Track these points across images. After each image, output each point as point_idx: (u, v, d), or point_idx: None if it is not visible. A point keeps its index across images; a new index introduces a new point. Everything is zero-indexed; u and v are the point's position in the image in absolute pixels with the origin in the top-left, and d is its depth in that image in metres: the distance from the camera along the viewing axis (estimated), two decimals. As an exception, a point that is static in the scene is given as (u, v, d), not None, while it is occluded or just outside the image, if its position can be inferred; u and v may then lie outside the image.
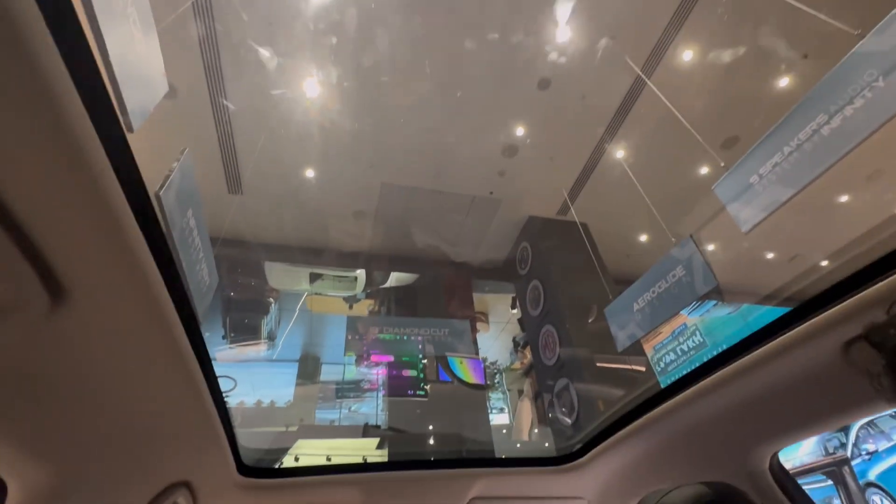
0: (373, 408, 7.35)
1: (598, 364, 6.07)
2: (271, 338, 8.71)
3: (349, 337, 5.15)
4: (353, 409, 7.99)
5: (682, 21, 5.03)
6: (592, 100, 5.87)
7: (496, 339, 10.36)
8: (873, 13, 2.75)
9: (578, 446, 1.32)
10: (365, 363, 6.31)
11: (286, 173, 6.32)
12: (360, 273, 8.14)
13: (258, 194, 6.56)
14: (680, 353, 7.17)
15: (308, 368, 9.43)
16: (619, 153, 6.45)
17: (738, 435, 0.97)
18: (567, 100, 5.82)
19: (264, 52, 4.74)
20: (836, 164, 2.63)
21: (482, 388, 6.80)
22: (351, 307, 8.90)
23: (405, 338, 5.72)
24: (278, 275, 8.09)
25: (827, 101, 2.81)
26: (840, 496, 4.71)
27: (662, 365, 7.26)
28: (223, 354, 7.41)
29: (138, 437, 0.78)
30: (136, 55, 2.12)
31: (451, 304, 7.77)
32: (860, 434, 5.45)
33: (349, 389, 7.38)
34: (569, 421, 6.17)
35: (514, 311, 8.75)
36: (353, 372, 7.34)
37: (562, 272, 7.06)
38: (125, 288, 0.55)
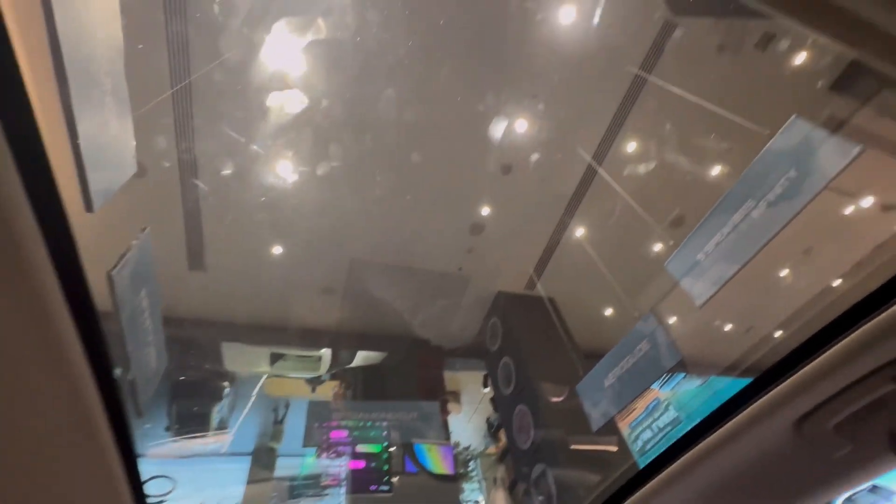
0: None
1: (573, 447, 5.80)
2: (222, 428, 7.93)
3: (311, 425, 4.75)
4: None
5: (625, 115, 5.70)
6: (551, 183, 6.34)
7: (469, 422, 9.83)
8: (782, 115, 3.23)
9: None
10: (326, 455, 5.78)
11: (252, 250, 6.26)
12: (325, 352, 7.79)
13: (222, 272, 6.39)
14: (656, 429, 7.00)
15: (262, 463, 8.50)
16: (580, 230, 6.83)
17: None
18: (528, 183, 6.25)
19: (236, 134, 4.94)
20: (769, 242, 2.88)
21: (452, 480, 6.28)
22: (314, 389, 8.36)
23: (369, 424, 5.33)
24: (237, 356, 7.61)
25: (753, 189, 3.16)
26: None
27: (640, 443, 7.03)
28: (162, 450, 6.61)
29: None
30: (107, 139, 2.17)
31: (420, 384, 7.44)
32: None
33: (307, 486, 6.63)
34: (548, 513, 5.71)
35: (486, 389, 8.45)
36: (312, 465, 6.67)
37: (532, 348, 7.01)
38: (50, 387, 0.51)
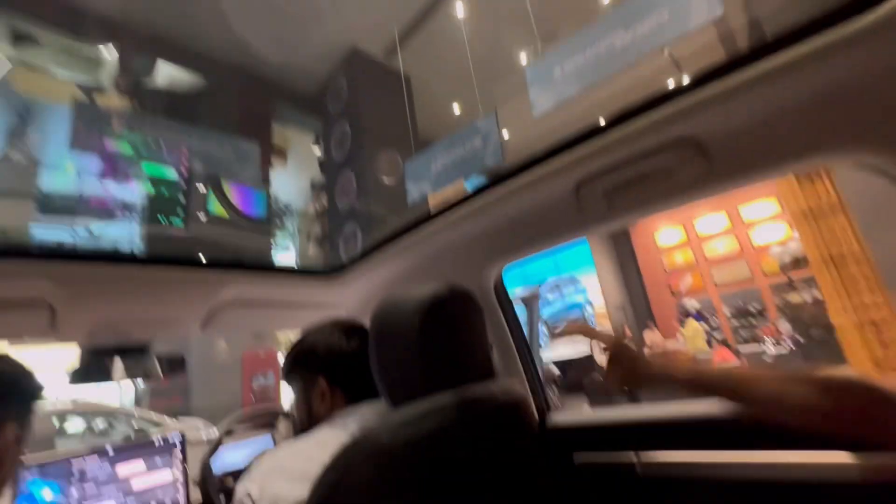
0: (125, 231, 5.99)
1: (386, 216, 6.44)
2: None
3: (78, 128, 3.76)
4: (95, 232, 6.34)
5: None
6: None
7: (293, 178, 9.69)
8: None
9: (346, 262, 1.34)
10: (97, 175, 4.92)
11: None
12: (110, 50, 5.89)
13: None
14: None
15: (16, 171, 6.84)
16: (458, 7, 6.07)
17: (478, 254, 1.13)
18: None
19: None
20: (621, 70, 3.10)
21: (261, 226, 6.34)
22: (90, 97, 6.55)
23: (163, 144, 4.49)
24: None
25: (626, 20, 3.17)
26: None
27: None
28: None
29: None
30: None
31: (241, 124, 6.59)
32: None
33: (71, 207, 5.49)
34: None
35: (317, 150, 8.20)
36: (74, 181, 5.51)
37: (374, 119, 6.78)
38: None
